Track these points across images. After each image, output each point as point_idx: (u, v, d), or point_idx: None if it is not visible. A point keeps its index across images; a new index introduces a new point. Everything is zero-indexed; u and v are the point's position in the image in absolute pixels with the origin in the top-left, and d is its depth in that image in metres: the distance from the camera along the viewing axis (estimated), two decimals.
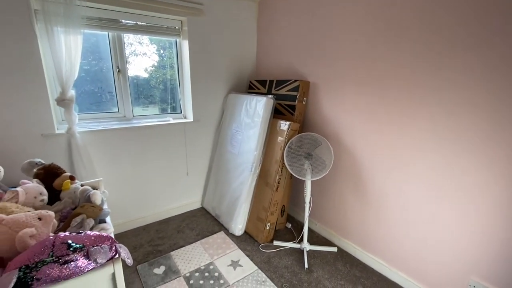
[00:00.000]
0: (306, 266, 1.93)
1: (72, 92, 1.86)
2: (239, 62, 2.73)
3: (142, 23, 2.20)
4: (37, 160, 1.37)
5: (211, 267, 1.91)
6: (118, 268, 0.82)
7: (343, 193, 2.13)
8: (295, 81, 2.18)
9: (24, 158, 1.75)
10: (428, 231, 1.62)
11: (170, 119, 2.51)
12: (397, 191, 1.75)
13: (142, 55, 2.38)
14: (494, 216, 1.34)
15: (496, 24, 1.23)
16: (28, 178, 1.25)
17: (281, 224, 2.43)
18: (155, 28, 2.27)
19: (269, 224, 2.19)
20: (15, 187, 1.16)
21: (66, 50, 1.77)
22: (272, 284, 1.77)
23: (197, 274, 1.84)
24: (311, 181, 2.03)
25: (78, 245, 0.71)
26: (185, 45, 2.41)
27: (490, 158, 1.32)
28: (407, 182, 1.68)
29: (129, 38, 2.27)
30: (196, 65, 2.45)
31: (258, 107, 2.21)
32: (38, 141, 1.84)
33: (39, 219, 0.82)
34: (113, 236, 1.00)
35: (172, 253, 2.06)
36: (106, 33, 2.12)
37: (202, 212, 2.72)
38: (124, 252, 0.84)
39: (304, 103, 2.24)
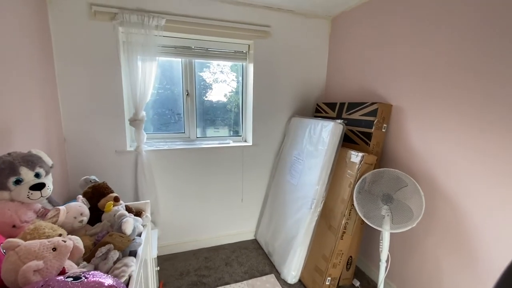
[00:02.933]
0: None
1: (143, 113, 1.99)
2: (306, 83, 2.51)
3: (213, 49, 2.26)
4: (92, 177, 1.44)
5: None
6: None
7: (437, 254, 1.54)
8: (373, 103, 1.79)
9: (99, 171, 1.94)
10: None
11: (230, 142, 2.44)
12: None
13: (222, 82, 2.46)
14: None
15: None
16: None
17: (346, 280, 1.95)
18: (224, 53, 2.31)
19: (329, 278, 1.76)
20: (76, 200, 1.21)
21: (141, 75, 1.92)
22: None
23: None
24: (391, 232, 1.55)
25: None
26: (250, 69, 2.36)
27: None
28: None
29: (213, 68, 2.40)
30: (259, 88, 2.35)
31: (323, 133, 1.90)
32: (112, 156, 2.02)
33: (54, 249, 0.75)
34: (125, 280, 0.86)
35: None
36: (180, 59, 2.26)
37: (254, 245, 2.47)
38: None
39: (383, 130, 1.80)
